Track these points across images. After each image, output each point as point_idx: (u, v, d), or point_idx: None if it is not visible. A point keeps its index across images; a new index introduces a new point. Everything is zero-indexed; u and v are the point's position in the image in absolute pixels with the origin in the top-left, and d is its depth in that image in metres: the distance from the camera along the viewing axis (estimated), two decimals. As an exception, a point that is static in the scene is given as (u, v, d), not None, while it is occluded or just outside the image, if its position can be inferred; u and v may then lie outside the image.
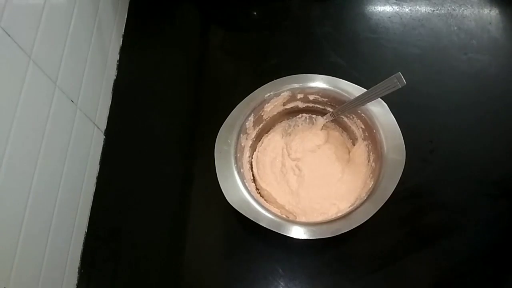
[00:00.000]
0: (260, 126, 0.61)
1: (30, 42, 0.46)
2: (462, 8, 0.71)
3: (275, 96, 0.58)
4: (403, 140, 0.54)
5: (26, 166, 0.46)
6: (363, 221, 0.50)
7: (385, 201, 0.52)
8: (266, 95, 0.58)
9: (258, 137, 0.62)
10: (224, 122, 0.56)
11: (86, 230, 0.60)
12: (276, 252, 0.54)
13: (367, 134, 0.58)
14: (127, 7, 0.73)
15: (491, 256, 0.55)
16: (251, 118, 0.58)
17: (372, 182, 0.54)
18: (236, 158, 0.55)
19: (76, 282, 0.57)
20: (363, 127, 0.59)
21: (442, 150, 0.57)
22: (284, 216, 0.54)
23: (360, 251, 0.53)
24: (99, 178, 0.62)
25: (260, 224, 0.50)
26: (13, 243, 0.44)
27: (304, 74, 0.58)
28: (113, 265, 0.58)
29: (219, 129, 0.58)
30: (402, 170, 0.53)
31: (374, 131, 0.56)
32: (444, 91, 0.65)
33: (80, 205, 0.58)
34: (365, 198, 0.53)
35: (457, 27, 0.69)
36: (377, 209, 0.51)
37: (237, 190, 0.53)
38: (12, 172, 0.43)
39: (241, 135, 0.57)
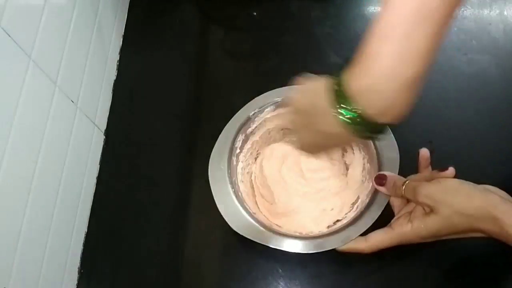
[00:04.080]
0: (252, 144, 0.61)
1: (30, 42, 0.46)
2: (462, 9, 0.71)
3: (259, 113, 0.58)
4: (393, 137, 0.55)
5: (26, 166, 0.46)
6: (371, 224, 0.50)
7: (387, 200, 0.52)
8: (251, 113, 0.58)
9: (252, 155, 0.62)
10: (214, 148, 0.57)
11: (86, 230, 0.60)
12: (276, 252, 0.53)
13: None
14: (127, 7, 0.73)
15: (491, 256, 0.55)
16: (240, 139, 0.58)
17: (371, 184, 0.54)
18: (232, 182, 0.55)
19: (76, 282, 0.57)
20: None
21: (442, 150, 0.57)
22: (291, 232, 0.54)
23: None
24: (99, 178, 0.62)
25: (270, 246, 0.51)
26: (13, 243, 0.44)
27: (287, 87, 0.58)
28: (113, 265, 0.58)
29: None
30: (398, 167, 0.53)
31: None
32: (444, 92, 0.65)
33: (80, 205, 0.58)
34: (367, 201, 0.53)
35: (457, 28, 0.69)
36: (381, 210, 0.51)
37: (239, 215, 0.53)
38: (12, 172, 0.43)
39: (233, 157, 0.57)
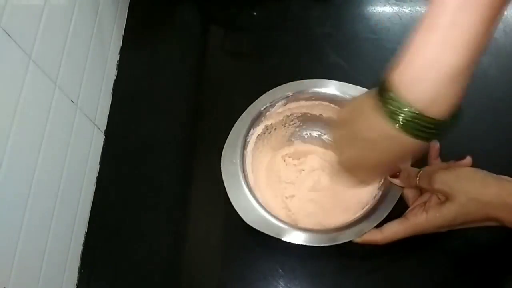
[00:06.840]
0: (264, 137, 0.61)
1: (30, 42, 0.46)
2: (462, 9, 0.71)
3: (270, 107, 0.59)
4: None
5: (26, 166, 0.46)
6: (384, 217, 0.50)
7: (401, 193, 0.52)
8: (262, 108, 0.58)
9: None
10: (226, 142, 0.57)
11: (86, 230, 0.60)
12: (276, 252, 0.54)
13: None
14: (127, 7, 0.73)
15: (491, 256, 0.55)
16: (252, 132, 0.58)
17: (383, 178, 0.54)
18: (245, 176, 0.55)
19: (76, 282, 0.57)
20: None
21: (442, 151, 0.57)
22: (306, 226, 0.54)
23: (360, 251, 0.53)
24: (99, 178, 0.62)
25: (284, 239, 0.51)
26: (13, 243, 0.44)
27: (298, 81, 0.59)
28: (113, 265, 0.58)
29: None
30: (410, 161, 0.53)
31: None
32: (444, 92, 0.65)
33: (80, 204, 0.58)
34: (380, 194, 0.53)
35: (457, 28, 0.69)
36: (394, 203, 0.51)
37: (252, 209, 0.53)
38: (12, 172, 0.43)
39: (245, 151, 0.57)
